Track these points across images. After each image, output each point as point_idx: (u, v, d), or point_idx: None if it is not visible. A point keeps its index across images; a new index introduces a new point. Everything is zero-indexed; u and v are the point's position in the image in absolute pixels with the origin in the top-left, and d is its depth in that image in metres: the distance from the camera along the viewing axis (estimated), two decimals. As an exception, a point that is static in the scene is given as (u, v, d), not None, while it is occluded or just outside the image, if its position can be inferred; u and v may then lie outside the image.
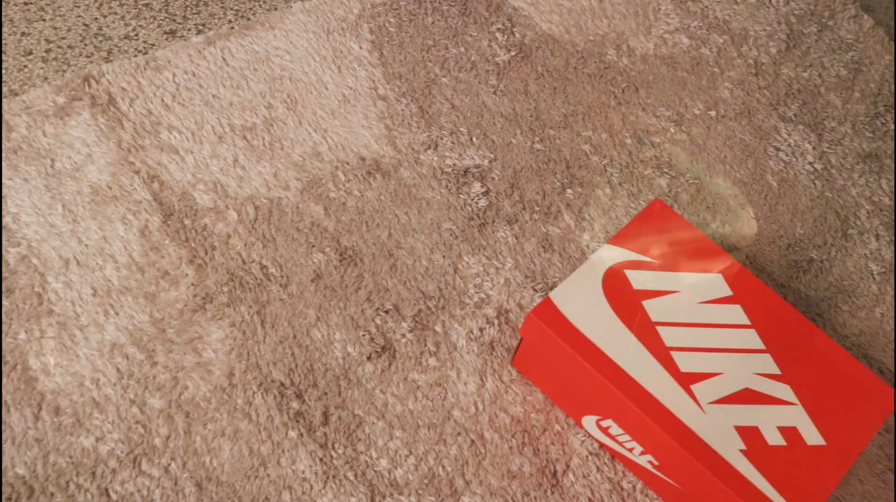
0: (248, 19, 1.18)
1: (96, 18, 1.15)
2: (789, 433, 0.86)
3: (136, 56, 1.12)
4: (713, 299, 0.93)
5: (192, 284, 0.96)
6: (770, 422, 0.86)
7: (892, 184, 1.17)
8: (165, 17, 1.16)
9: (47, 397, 0.88)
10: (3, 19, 1.13)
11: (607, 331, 0.88)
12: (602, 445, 0.92)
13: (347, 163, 1.06)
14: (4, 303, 0.92)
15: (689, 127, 1.17)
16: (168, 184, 1.02)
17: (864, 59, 1.27)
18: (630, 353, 0.87)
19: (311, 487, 0.86)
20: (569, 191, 1.09)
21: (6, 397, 0.87)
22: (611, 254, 0.94)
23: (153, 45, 1.13)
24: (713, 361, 0.89)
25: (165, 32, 1.15)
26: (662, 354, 0.88)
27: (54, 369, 0.89)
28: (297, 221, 1.02)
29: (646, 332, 0.89)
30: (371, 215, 1.03)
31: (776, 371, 0.89)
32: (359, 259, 1.00)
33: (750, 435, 0.85)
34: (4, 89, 1.07)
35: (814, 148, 1.18)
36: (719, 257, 0.96)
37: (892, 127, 1.22)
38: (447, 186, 1.07)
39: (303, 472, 0.87)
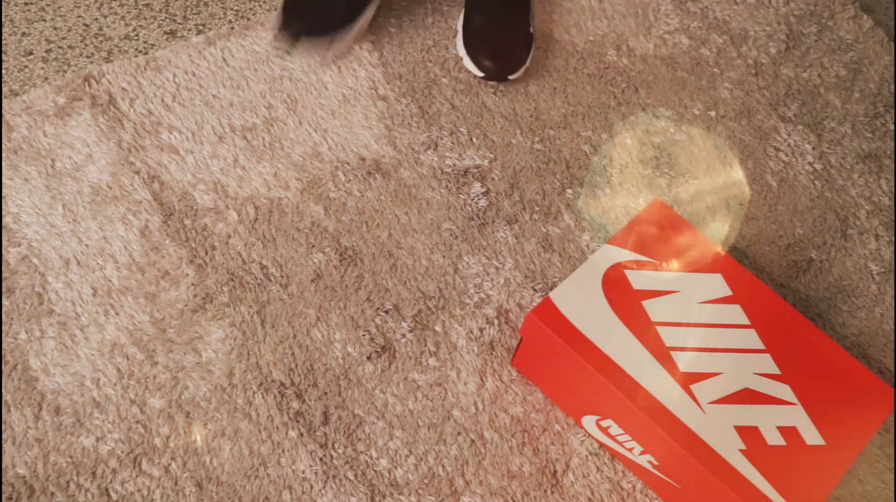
0: (248, 19, 1.18)
1: (97, 19, 1.15)
2: (789, 433, 0.86)
3: (136, 56, 1.12)
4: (713, 299, 0.93)
5: (193, 284, 0.96)
6: (770, 422, 0.86)
7: (892, 184, 1.17)
8: (166, 18, 1.16)
9: (48, 397, 0.88)
10: (3, 19, 1.13)
11: (607, 331, 0.88)
12: (602, 445, 0.92)
13: (347, 163, 1.07)
14: (5, 302, 0.92)
15: (689, 127, 1.17)
16: (168, 184, 1.02)
17: (864, 59, 1.28)
18: (630, 353, 0.87)
19: (311, 487, 0.87)
20: (569, 191, 1.09)
21: (6, 397, 0.87)
22: (611, 254, 0.94)
23: (153, 45, 1.13)
24: (713, 361, 0.89)
25: (166, 33, 1.15)
26: (662, 354, 0.88)
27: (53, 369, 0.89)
28: (297, 221, 1.02)
29: (646, 332, 0.89)
30: (371, 215, 1.03)
31: (776, 371, 0.89)
32: (359, 259, 1.00)
33: (750, 435, 0.85)
34: (5, 89, 1.07)
35: (813, 148, 1.18)
36: (719, 257, 0.96)
37: (892, 127, 1.22)
38: (447, 186, 1.07)
39: (303, 472, 0.87)
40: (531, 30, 1.14)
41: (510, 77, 1.11)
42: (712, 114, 1.19)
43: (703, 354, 0.89)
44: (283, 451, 0.88)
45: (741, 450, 0.84)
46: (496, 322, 0.98)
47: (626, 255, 0.94)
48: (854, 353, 1.02)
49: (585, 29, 1.24)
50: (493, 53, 1.10)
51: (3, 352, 0.90)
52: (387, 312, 0.97)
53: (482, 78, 1.11)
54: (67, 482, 0.84)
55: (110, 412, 0.88)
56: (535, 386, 0.95)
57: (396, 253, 1.01)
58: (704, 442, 0.83)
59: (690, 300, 0.92)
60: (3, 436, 0.85)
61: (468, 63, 1.11)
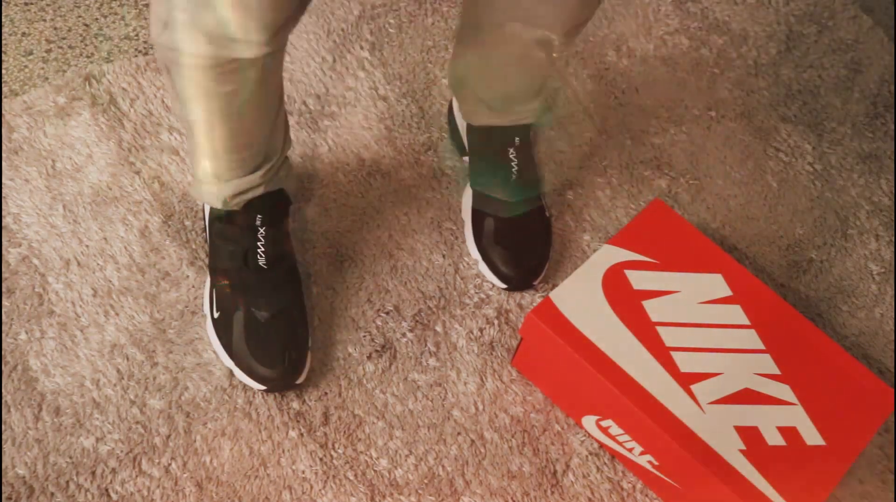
0: (249, 20, 1.18)
1: (97, 19, 1.15)
2: (789, 433, 0.86)
3: (136, 56, 1.12)
4: (713, 299, 0.93)
5: (193, 285, 0.96)
6: (770, 422, 0.86)
7: (892, 184, 1.17)
8: (166, 18, 1.16)
9: (47, 397, 0.88)
10: (3, 19, 1.13)
11: (607, 331, 0.88)
12: (602, 445, 0.92)
13: (347, 164, 1.07)
14: (5, 303, 0.92)
15: (690, 127, 1.17)
16: (168, 184, 1.02)
17: (864, 59, 1.28)
18: (630, 353, 0.87)
19: (312, 487, 0.87)
20: (569, 191, 1.09)
21: (6, 397, 0.87)
22: (611, 254, 0.94)
23: (154, 45, 1.13)
24: (713, 361, 0.89)
25: (166, 33, 1.15)
26: (662, 354, 0.88)
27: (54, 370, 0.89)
28: (297, 221, 1.02)
29: (646, 332, 0.89)
30: (371, 215, 1.03)
31: (776, 371, 0.89)
32: (359, 259, 1.00)
33: (750, 435, 0.85)
34: (5, 89, 1.07)
35: (814, 148, 1.18)
36: (719, 257, 0.96)
37: (892, 127, 1.22)
38: (447, 186, 1.07)
39: (303, 472, 0.87)
40: (548, 214, 1.04)
41: (534, 283, 1.00)
42: (712, 114, 1.19)
43: (703, 354, 0.89)
44: (284, 451, 0.88)
45: (741, 450, 0.84)
46: (496, 322, 0.98)
47: (626, 255, 0.94)
48: (854, 353, 1.02)
49: (586, 29, 1.23)
50: (514, 260, 0.99)
51: (3, 353, 0.90)
52: (387, 313, 0.97)
53: (504, 289, 0.99)
54: (67, 482, 0.84)
55: (110, 412, 0.88)
56: (535, 386, 0.95)
57: (396, 253, 1.01)
58: (704, 442, 0.83)
59: (690, 300, 0.92)
60: (3, 437, 0.85)
61: (484, 269, 1.00)
